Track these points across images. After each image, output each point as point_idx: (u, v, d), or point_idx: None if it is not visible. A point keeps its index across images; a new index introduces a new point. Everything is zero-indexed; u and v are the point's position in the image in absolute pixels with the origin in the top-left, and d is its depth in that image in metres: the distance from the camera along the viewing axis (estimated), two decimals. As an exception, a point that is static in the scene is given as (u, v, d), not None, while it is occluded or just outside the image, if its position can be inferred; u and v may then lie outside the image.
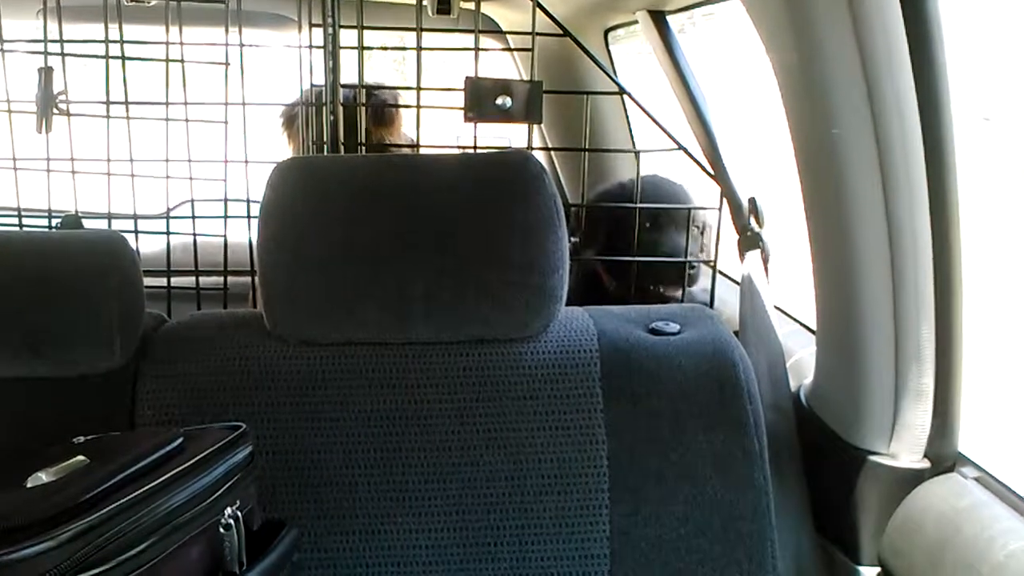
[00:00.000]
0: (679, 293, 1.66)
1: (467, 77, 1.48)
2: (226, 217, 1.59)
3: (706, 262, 1.65)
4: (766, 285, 1.47)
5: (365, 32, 1.52)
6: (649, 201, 1.62)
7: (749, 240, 1.54)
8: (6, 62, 1.53)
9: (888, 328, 1.09)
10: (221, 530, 0.92)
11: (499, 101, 1.46)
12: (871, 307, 1.09)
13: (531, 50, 1.51)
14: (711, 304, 1.60)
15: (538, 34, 1.50)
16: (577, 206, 1.72)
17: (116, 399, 1.11)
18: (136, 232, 1.56)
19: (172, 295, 1.59)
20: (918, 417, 1.11)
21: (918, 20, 0.98)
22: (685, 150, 1.57)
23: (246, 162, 1.55)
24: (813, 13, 1.00)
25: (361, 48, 1.54)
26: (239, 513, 0.94)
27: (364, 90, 1.58)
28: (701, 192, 1.70)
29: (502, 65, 2.66)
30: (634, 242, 1.59)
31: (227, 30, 1.53)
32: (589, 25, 2.14)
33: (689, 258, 1.65)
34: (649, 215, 1.63)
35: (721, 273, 1.64)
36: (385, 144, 1.77)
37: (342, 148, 1.57)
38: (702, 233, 1.69)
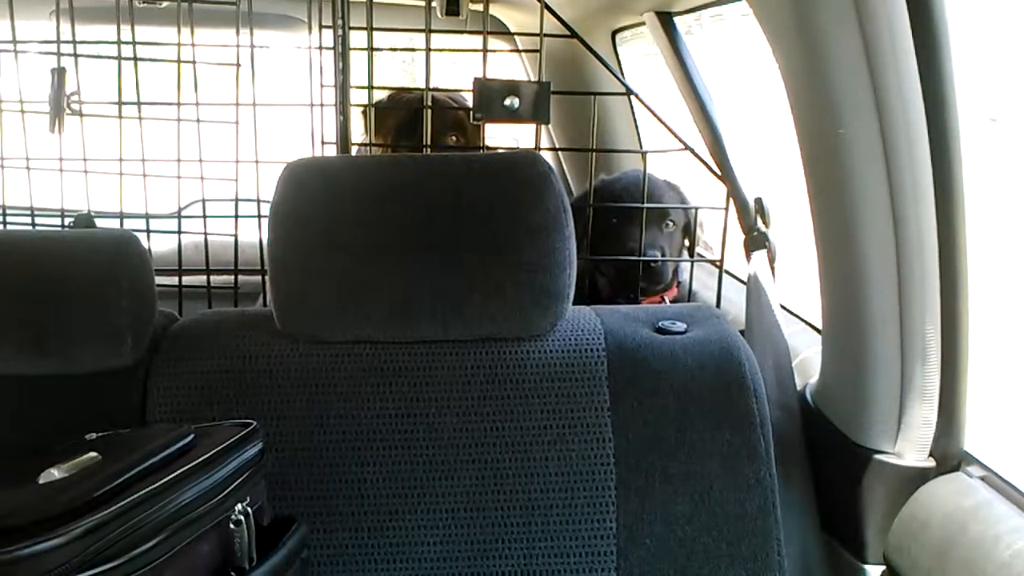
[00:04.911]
0: (655, 292, 1.67)
1: (475, 78, 1.48)
2: (237, 216, 1.60)
3: (712, 262, 1.65)
4: (772, 284, 1.48)
5: (374, 33, 1.53)
6: (623, 198, 1.63)
7: (755, 240, 1.54)
8: (19, 62, 1.55)
9: (894, 327, 1.09)
10: (231, 526, 0.93)
11: (507, 102, 1.47)
12: (877, 306, 1.09)
13: (539, 51, 1.52)
14: (717, 304, 1.60)
15: (546, 35, 1.50)
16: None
17: (128, 396, 1.12)
18: (148, 231, 1.57)
19: (183, 294, 1.60)
20: (923, 416, 1.11)
21: (924, 21, 0.98)
22: (692, 150, 1.57)
23: (256, 162, 1.57)
24: (819, 14, 1.01)
25: (371, 49, 1.55)
26: (249, 509, 0.95)
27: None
28: (701, 191, 1.71)
29: (510, 66, 2.66)
30: (632, 240, 1.60)
31: (238, 31, 1.54)
32: (596, 26, 2.15)
33: (673, 257, 1.66)
34: (617, 211, 1.65)
35: (727, 272, 1.65)
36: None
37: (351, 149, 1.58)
38: (681, 231, 1.70)
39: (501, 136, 2.25)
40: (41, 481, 0.85)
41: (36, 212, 1.60)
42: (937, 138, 1.01)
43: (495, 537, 1.10)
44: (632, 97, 1.66)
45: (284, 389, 1.12)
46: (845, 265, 1.12)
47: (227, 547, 0.93)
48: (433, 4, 1.57)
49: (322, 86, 1.55)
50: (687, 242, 1.75)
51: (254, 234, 1.57)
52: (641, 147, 2.21)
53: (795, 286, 1.60)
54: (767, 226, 1.54)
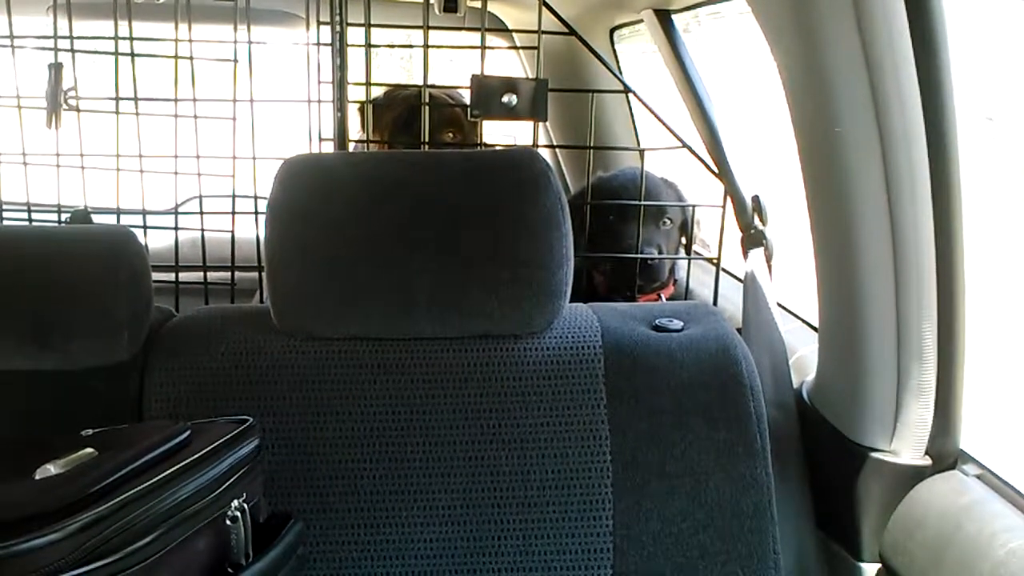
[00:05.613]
0: (652, 290, 1.68)
1: (473, 75, 1.48)
2: (234, 213, 1.60)
3: (709, 259, 1.65)
4: (769, 282, 1.48)
5: (372, 30, 1.53)
6: (620, 196, 1.64)
7: (752, 238, 1.54)
8: (16, 58, 1.55)
9: (890, 325, 1.09)
10: (228, 522, 0.93)
11: (505, 99, 1.47)
12: (874, 305, 1.09)
13: (537, 48, 1.52)
14: (714, 302, 1.60)
15: (544, 32, 1.50)
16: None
17: (124, 392, 1.12)
18: (144, 227, 1.57)
19: (180, 290, 1.60)
20: (920, 414, 1.11)
21: (922, 19, 0.98)
22: (689, 148, 1.57)
23: (254, 158, 1.56)
24: (818, 12, 1.01)
25: (369, 46, 1.54)
26: (245, 506, 0.94)
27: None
28: (698, 189, 1.71)
29: (508, 63, 2.66)
30: (628, 237, 1.60)
31: (235, 27, 1.54)
32: (595, 24, 2.15)
33: (670, 255, 1.66)
34: (614, 209, 1.65)
35: (724, 270, 1.65)
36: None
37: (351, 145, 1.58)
38: (678, 228, 1.71)
39: (499, 133, 2.25)
40: (37, 476, 0.86)
41: (32, 208, 1.60)
42: (934, 137, 1.01)
43: (491, 534, 1.10)
44: (630, 95, 1.66)
45: (280, 385, 1.12)
46: (842, 263, 1.12)
47: (224, 543, 0.93)
48: (431, 1, 1.56)
49: (320, 82, 1.55)
50: (684, 240, 1.75)
51: (251, 230, 1.57)
52: (639, 145, 2.22)
53: (792, 284, 1.60)
54: (764, 224, 1.54)
